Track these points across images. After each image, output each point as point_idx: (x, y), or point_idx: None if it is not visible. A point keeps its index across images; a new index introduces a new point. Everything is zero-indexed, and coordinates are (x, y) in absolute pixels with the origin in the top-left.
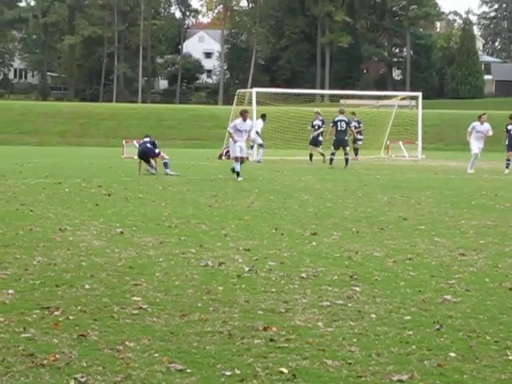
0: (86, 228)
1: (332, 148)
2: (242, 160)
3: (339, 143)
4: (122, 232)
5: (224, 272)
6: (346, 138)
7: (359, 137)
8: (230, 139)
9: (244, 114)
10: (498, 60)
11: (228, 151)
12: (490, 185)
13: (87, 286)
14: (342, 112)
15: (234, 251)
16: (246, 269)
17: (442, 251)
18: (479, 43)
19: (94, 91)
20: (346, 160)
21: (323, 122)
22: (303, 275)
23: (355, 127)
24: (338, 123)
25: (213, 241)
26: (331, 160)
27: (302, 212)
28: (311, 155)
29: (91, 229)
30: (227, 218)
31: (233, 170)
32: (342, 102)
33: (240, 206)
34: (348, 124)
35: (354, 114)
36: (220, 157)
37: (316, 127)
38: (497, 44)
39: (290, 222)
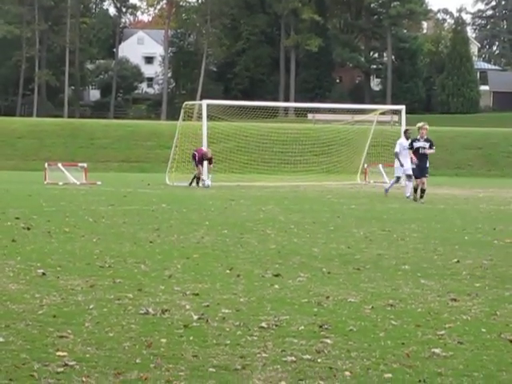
0: (1, 269)
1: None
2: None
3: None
4: (43, 273)
5: (168, 321)
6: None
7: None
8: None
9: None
10: (496, 68)
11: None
12: (487, 216)
13: (1, 339)
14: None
15: (180, 296)
16: (195, 317)
17: (429, 296)
18: (474, 47)
19: (9, 103)
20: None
21: None
22: (263, 325)
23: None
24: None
25: (154, 284)
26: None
27: (263, 249)
28: None
29: (6, 270)
30: (172, 256)
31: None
32: (310, 116)
33: (187, 241)
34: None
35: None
36: (192, 182)
37: None
38: (494, 48)
39: (248, 261)
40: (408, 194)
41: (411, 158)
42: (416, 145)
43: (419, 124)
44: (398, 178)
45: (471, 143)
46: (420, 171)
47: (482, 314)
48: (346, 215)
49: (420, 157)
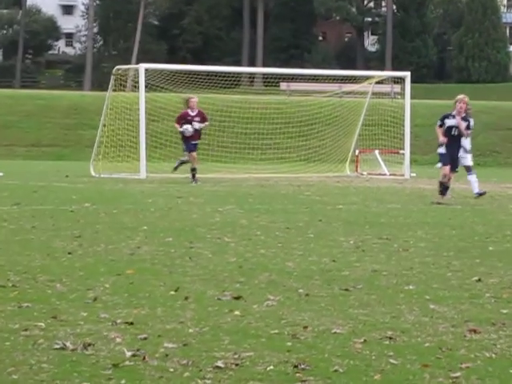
0: None
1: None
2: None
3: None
4: None
5: (92, 359)
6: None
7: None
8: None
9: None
10: None
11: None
12: None
13: None
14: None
15: (109, 326)
16: (128, 354)
17: (440, 326)
18: None
19: None
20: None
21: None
22: (219, 364)
23: None
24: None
25: (74, 309)
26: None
27: (219, 263)
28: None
29: None
30: (98, 272)
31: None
32: (283, 86)
33: (119, 252)
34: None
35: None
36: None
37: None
38: None
39: (200, 280)
40: (476, 191)
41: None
42: (449, 122)
43: (459, 96)
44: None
45: (498, 122)
46: (451, 158)
47: (511, 351)
48: (331, 218)
49: (451, 140)
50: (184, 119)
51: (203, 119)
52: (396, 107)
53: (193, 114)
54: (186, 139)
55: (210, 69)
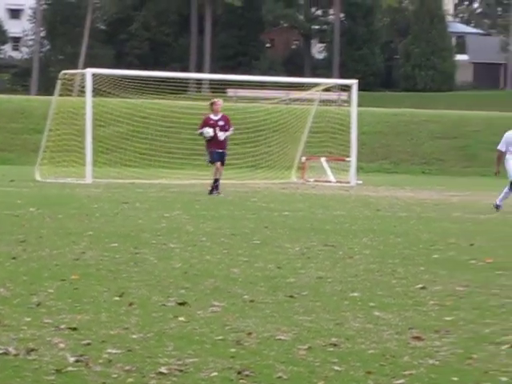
0: None
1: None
2: None
3: None
4: None
5: (35, 364)
6: None
7: None
8: None
9: None
10: (478, 31)
11: None
12: (463, 228)
13: None
14: None
15: (52, 331)
16: (71, 359)
17: (385, 333)
18: (449, 4)
19: None
20: None
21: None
22: (163, 370)
23: None
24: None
25: (17, 314)
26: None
27: (164, 269)
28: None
29: None
30: (42, 277)
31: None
32: (230, 92)
33: (63, 257)
34: None
35: None
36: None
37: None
38: (476, 6)
39: (144, 285)
40: (498, 203)
41: None
42: None
43: None
44: None
45: (443, 131)
46: None
47: (454, 358)
48: (277, 225)
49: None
50: (206, 124)
51: (227, 124)
52: (343, 115)
53: (215, 118)
54: (208, 147)
55: (157, 74)
